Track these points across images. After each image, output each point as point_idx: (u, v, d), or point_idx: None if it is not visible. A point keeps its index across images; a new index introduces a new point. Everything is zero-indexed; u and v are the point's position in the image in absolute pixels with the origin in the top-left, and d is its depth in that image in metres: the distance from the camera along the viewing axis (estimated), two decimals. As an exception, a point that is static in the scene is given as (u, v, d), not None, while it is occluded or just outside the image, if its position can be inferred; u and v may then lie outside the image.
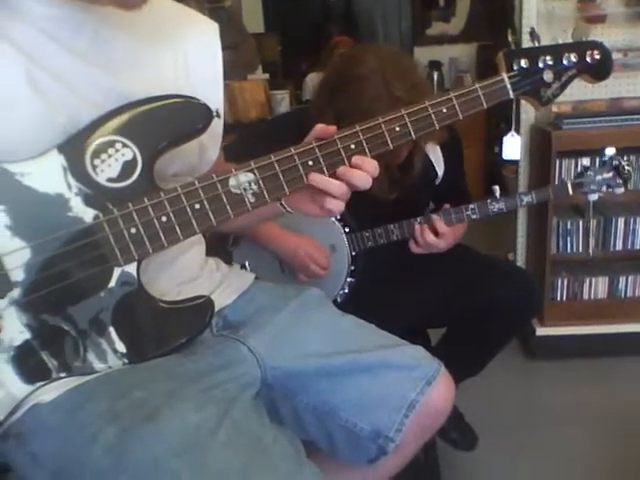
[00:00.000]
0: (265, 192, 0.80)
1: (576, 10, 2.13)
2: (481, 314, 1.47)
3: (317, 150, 0.82)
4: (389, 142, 0.85)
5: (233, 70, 2.88)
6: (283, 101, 3.05)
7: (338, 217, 1.45)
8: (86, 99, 0.76)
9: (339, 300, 1.47)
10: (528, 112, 2.18)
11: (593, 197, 1.48)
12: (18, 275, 0.71)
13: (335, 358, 0.93)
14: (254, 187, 0.80)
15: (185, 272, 0.93)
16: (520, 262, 2.41)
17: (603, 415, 1.92)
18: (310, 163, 0.82)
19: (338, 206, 0.83)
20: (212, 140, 0.93)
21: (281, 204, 0.90)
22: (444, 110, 0.87)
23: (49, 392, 0.75)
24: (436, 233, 1.44)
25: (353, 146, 0.83)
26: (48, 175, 0.72)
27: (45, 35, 0.75)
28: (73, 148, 0.73)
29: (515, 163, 2.31)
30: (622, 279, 2.24)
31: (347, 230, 1.46)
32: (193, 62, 0.89)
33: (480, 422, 1.75)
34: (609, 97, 2.16)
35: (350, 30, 4.98)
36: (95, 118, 0.74)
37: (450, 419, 1.02)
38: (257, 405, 0.83)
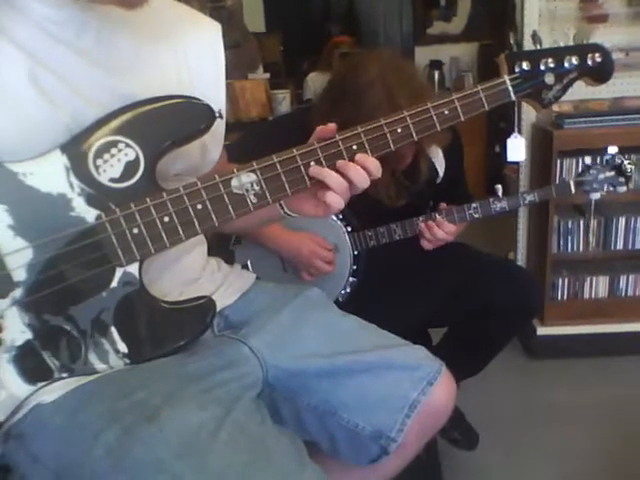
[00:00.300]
0: (267, 193, 0.80)
1: (578, 10, 2.12)
2: (482, 313, 1.47)
3: (319, 151, 0.82)
4: (391, 143, 0.85)
5: (234, 70, 2.87)
6: (284, 101, 3.05)
7: (340, 217, 1.45)
8: (89, 99, 0.76)
9: (341, 300, 1.47)
10: (529, 112, 2.18)
11: (595, 196, 1.48)
12: (20, 275, 0.71)
13: (336, 358, 0.93)
14: (256, 188, 0.80)
15: (187, 273, 0.94)
16: (521, 261, 2.41)
17: (604, 414, 1.92)
18: (312, 164, 0.82)
19: (337, 201, 0.83)
20: (214, 140, 0.93)
21: (281, 207, 0.90)
22: (446, 112, 0.87)
23: (51, 392, 0.75)
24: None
25: (355, 147, 0.83)
26: (51, 175, 0.72)
27: (48, 35, 0.75)
28: (76, 148, 0.73)
29: (517, 163, 2.31)
30: (623, 278, 2.24)
31: (349, 230, 1.46)
32: (195, 62, 0.89)
33: (481, 421, 1.75)
34: (611, 97, 2.15)
35: (351, 30, 4.99)
36: (98, 118, 0.74)
37: (451, 418, 1.02)
38: (259, 405, 0.83)
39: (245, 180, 0.79)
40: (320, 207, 0.87)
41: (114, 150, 0.74)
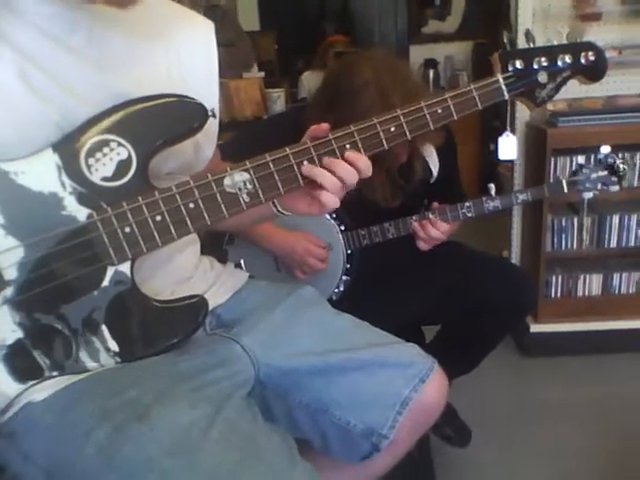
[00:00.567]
0: (260, 192, 0.80)
1: (572, 8, 2.13)
2: (475, 311, 1.48)
3: (312, 150, 0.82)
4: (384, 142, 0.86)
5: (228, 68, 2.87)
6: (279, 99, 3.04)
7: (334, 215, 1.45)
8: (81, 97, 0.76)
9: (334, 298, 1.47)
10: (523, 110, 2.18)
11: (588, 195, 1.48)
12: (11, 274, 0.71)
13: (329, 356, 0.93)
14: (249, 187, 0.80)
15: (180, 272, 0.93)
16: (515, 259, 2.42)
17: (597, 411, 1.93)
18: (305, 163, 0.82)
19: (332, 200, 0.83)
20: (207, 139, 0.93)
21: (275, 205, 0.90)
22: (439, 111, 0.87)
23: (41, 391, 0.75)
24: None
25: (348, 146, 0.84)
26: (42, 174, 0.72)
27: (40, 33, 0.75)
28: (68, 147, 0.73)
29: (511, 162, 2.32)
30: (616, 276, 2.25)
31: (342, 228, 1.47)
32: (188, 61, 0.89)
33: (474, 418, 1.75)
34: (605, 95, 2.16)
35: (346, 28, 4.99)
36: (90, 117, 0.74)
37: (444, 415, 1.03)
38: (250, 403, 0.83)
39: (238, 179, 0.79)
40: (314, 205, 0.87)
41: (106, 149, 0.74)
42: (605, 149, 1.46)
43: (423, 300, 1.50)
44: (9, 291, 0.72)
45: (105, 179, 0.74)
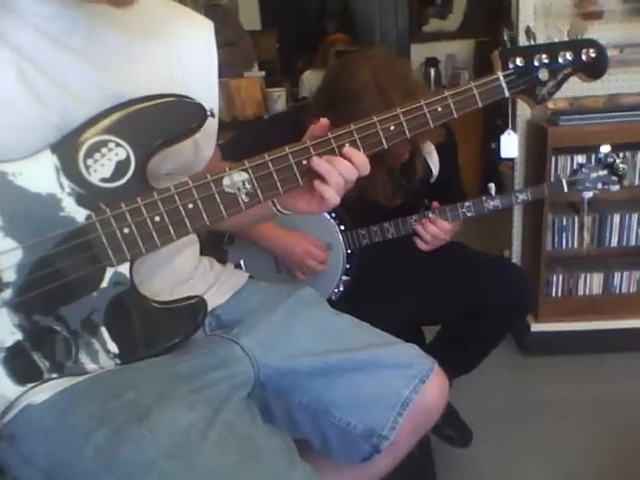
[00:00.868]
0: (259, 191, 0.80)
1: (573, 6, 2.12)
2: (475, 311, 1.48)
3: (311, 149, 0.82)
4: (384, 141, 0.85)
5: (229, 68, 2.87)
6: (279, 99, 3.04)
7: (333, 215, 1.45)
8: (80, 98, 0.76)
9: (334, 298, 1.47)
10: (524, 108, 2.18)
11: (588, 195, 1.48)
12: (10, 276, 0.71)
13: (329, 357, 0.93)
14: (248, 187, 0.80)
15: (179, 273, 0.93)
16: (515, 258, 2.41)
17: (597, 411, 1.93)
18: (304, 162, 0.82)
19: (334, 197, 0.82)
20: (207, 139, 0.93)
21: (274, 205, 0.90)
22: (439, 109, 0.87)
23: (41, 393, 0.74)
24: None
25: (348, 145, 0.83)
26: (41, 175, 0.72)
27: (39, 33, 0.74)
28: (66, 148, 0.73)
29: (512, 160, 2.31)
30: (617, 275, 2.25)
31: (342, 228, 1.46)
32: (187, 60, 0.89)
33: (475, 418, 1.75)
34: (606, 94, 2.15)
35: (347, 27, 4.99)
36: (88, 117, 0.74)
37: (445, 416, 1.03)
38: (249, 405, 0.83)
39: (237, 179, 0.79)
40: (313, 203, 0.86)
41: (104, 150, 0.74)
42: (605, 148, 1.46)
43: (423, 300, 1.49)
44: (8, 293, 0.71)
45: (104, 180, 0.74)
